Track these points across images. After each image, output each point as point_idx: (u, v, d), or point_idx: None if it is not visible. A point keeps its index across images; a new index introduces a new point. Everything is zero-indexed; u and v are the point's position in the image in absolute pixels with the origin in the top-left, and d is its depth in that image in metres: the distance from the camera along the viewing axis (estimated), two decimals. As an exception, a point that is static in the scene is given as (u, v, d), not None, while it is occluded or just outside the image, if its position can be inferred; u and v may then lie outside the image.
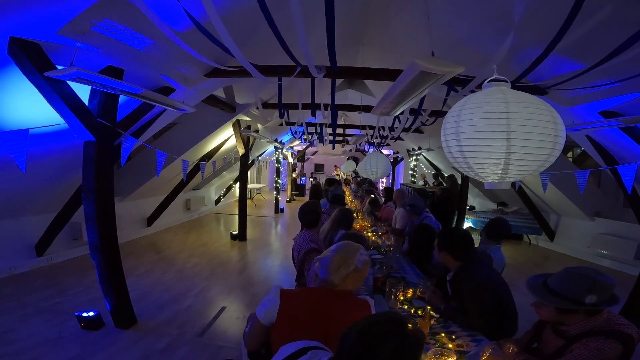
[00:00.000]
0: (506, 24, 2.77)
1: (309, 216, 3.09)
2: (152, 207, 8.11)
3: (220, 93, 5.97)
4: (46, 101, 2.92)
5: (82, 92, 3.13)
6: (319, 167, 21.69)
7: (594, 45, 2.79)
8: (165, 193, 8.15)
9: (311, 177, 19.95)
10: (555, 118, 1.25)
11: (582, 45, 2.92)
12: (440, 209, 7.11)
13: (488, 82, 1.35)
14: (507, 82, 1.35)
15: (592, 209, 7.31)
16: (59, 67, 2.64)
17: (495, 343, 1.95)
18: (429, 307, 2.43)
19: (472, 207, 11.44)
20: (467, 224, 8.69)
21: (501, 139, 1.21)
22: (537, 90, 4.02)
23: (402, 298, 2.62)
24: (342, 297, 1.62)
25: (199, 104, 5.14)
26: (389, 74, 3.97)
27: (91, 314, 3.69)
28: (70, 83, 2.87)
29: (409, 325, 1.01)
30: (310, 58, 2.84)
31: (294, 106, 5.89)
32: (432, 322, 2.26)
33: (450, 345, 1.96)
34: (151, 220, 8.14)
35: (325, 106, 5.96)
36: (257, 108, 6.28)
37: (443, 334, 2.08)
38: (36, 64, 2.60)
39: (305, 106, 5.54)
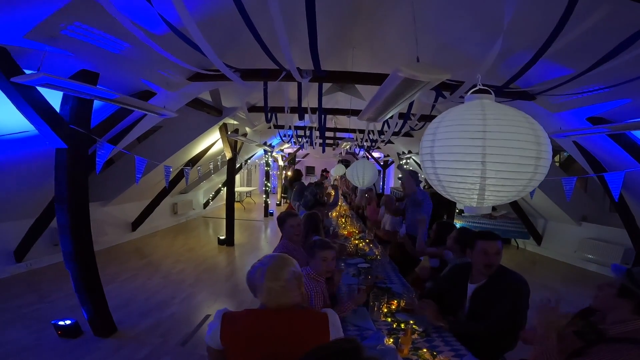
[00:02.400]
0: (497, 28, 2.71)
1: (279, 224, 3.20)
2: (137, 212, 7.95)
3: (206, 96, 5.87)
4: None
5: (55, 97, 3.02)
6: (310, 170, 21.58)
7: (583, 51, 2.76)
8: (150, 197, 8.00)
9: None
10: (539, 137, 1.14)
11: (572, 51, 2.89)
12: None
13: (470, 94, 1.25)
14: (490, 93, 1.26)
15: (579, 214, 7.34)
16: (28, 72, 2.53)
17: None
18: (411, 322, 2.36)
19: (462, 211, 11.44)
20: (456, 228, 8.66)
21: (476, 162, 1.11)
22: (525, 96, 3.99)
23: (385, 310, 2.55)
24: (288, 315, 1.52)
25: (184, 107, 5.04)
26: (377, 79, 3.90)
27: (68, 322, 3.60)
28: (40, 88, 2.74)
29: (364, 353, 0.93)
30: (293, 63, 2.76)
31: (282, 110, 5.80)
32: (415, 336, 2.20)
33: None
34: (136, 224, 7.98)
35: (313, 110, 5.88)
36: (243, 112, 6.19)
37: (425, 350, 2.02)
38: (3, 69, 2.49)
39: (293, 110, 5.46)
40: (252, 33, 2.30)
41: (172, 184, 7.80)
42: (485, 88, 1.21)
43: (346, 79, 4.46)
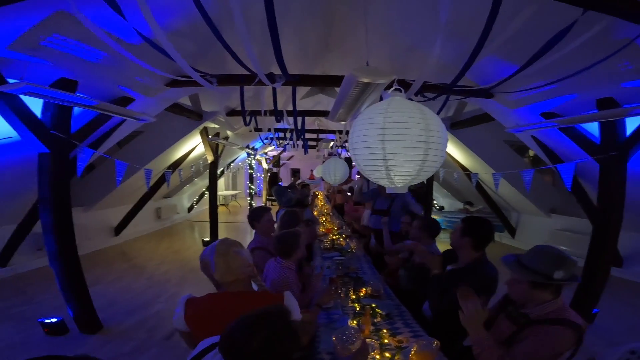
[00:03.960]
0: (455, 30, 2.87)
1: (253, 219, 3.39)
2: (119, 217, 7.99)
3: (186, 101, 5.99)
4: (-2, 114, 2.94)
5: (36, 104, 3.16)
6: (295, 172, 21.68)
7: (530, 48, 2.94)
8: (132, 202, 8.05)
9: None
10: (429, 125, 1.36)
11: (521, 49, 3.03)
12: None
13: (390, 92, 1.47)
14: (401, 91, 1.47)
15: (548, 206, 7.67)
16: (11, 81, 2.67)
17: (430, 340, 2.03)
18: (373, 305, 2.54)
19: (442, 207, 11.81)
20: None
21: (378, 147, 1.34)
22: (483, 94, 4.25)
23: (353, 297, 2.72)
24: (246, 297, 1.68)
25: (164, 112, 5.15)
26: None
27: (54, 320, 3.68)
28: (22, 96, 2.89)
29: (289, 320, 1.09)
30: (260, 68, 2.95)
31: (259, 113, 5.97)
32: (378, 319, 2.36)
33: (386, 340, 2.05)
34: (119, 229, 8.02)
35: (289, 112, 6.06)
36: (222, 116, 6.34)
37: (385, 330, 2.18)
38: (-13, 79, 2.63)
39: (271, 113, 5.62)
40: (220, 42, 2.48)
41: (154, 188, 7.87)
42: (398, 87, 1.44)
43: (318, 82, 4.65)
